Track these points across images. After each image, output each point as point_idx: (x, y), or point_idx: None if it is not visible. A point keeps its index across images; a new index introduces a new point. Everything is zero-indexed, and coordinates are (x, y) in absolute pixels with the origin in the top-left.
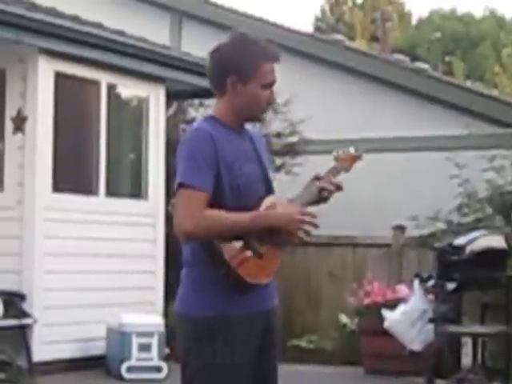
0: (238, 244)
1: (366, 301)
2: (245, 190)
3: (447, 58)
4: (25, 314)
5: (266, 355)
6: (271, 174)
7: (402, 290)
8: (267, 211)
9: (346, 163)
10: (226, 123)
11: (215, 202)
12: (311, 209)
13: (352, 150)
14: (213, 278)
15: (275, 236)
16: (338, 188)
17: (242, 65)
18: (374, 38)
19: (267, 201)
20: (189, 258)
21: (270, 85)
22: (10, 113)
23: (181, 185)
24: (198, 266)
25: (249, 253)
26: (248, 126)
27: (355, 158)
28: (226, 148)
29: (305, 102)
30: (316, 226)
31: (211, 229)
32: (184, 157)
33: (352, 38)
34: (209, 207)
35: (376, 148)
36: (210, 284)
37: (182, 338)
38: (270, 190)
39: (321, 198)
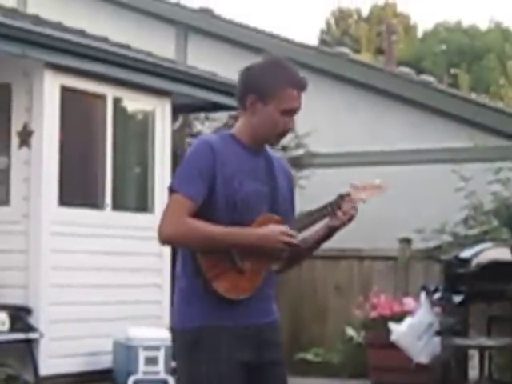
0: (218, 256)
1: (373, 314)
2: (242, 205)
3: (452, 71)
4: (31, 328)
5: (268, 373)
6: (285, 199)
7: (409, 302)
8: (247, 228)
9: (365, 193)
10: (240, 140)
11: (208, 215)
12: None
13: (378, 181)
14: (199, 289)
15: (258, 253)
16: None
17: (265, 85)
18: (379, 51)
19: (259, 219)
20: (178, 270)
21: (291, 112)
22: (15, 127)
23: (169, 190)
24: (185, 277)
25: (228, 266)
26: (270, 150)
27: (376, 189)
28: (228, 162)
29: (310, 115)
30: (297, 245)
31: (188, 236)
32: (180, 165)
33: (357, 51)
34: (202, 219)
35: (381, 161)
36: (196, 295)
37: (175, 349)
38: (276, 212)
39: (331, 229)
